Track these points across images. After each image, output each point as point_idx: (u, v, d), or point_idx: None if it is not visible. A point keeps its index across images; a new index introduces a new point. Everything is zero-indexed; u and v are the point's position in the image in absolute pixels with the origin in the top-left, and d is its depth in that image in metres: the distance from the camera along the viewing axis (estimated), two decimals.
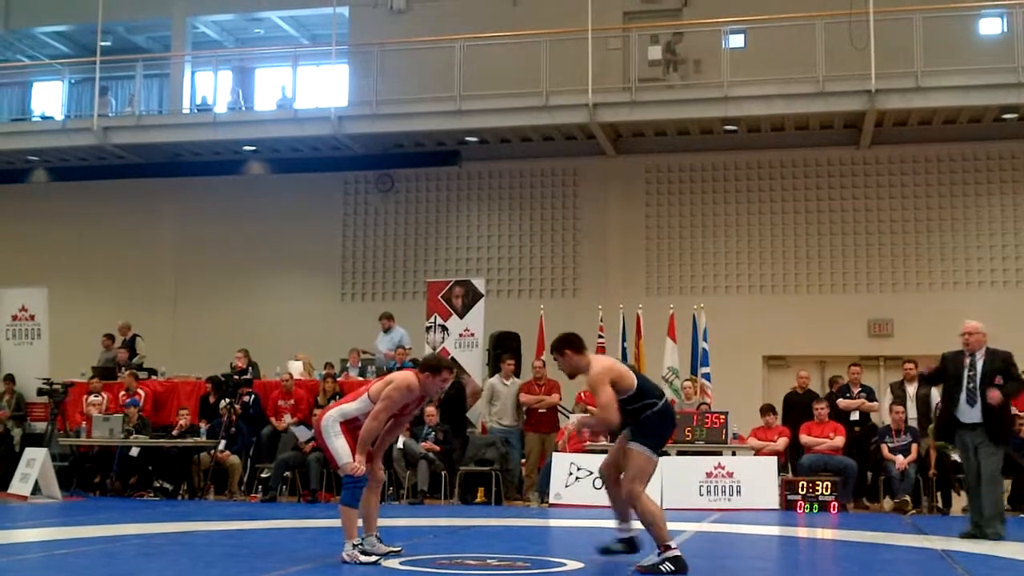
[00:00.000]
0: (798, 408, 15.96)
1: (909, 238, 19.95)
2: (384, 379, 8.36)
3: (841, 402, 15.68)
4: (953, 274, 19.75)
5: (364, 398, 8.17)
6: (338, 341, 18.70)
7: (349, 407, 8.18)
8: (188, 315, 22.34)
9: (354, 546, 7.94)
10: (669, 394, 16.71)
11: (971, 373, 10.57)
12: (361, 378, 17.14)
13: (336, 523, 8.30)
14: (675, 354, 17.22)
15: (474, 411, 16.72)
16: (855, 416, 15.57)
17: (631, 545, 8.26)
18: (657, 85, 19.81)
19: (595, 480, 14.06)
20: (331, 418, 8.13)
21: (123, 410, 16.52)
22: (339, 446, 8.06)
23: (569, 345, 8.05)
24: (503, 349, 17.20)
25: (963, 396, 10.61)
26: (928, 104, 18.80)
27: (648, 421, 7.90)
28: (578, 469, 14.47)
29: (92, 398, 16.69)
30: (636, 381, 7.94)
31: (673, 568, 7.50)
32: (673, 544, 7.63)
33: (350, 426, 8.11)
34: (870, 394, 15.93)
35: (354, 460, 7.96)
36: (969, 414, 10.60)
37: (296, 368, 17.61)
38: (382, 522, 8.63)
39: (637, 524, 8.10)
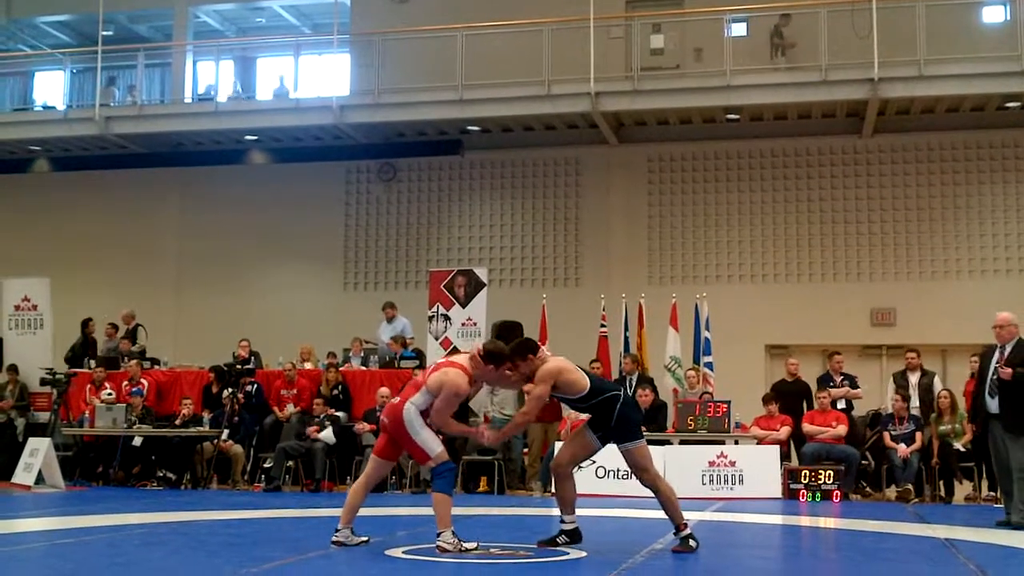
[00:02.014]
0: (787, 397, 15.95)
1: (912, 227, 19.93)
2: (439, 370, 8.20)
3: (830, 391, 15.60)
4: (956, 263, 19.72)
5: (424, 391, 8.08)
6: (341, 330, 18.70)
7: (418, 399, 8.08)
8: (191, 305, 22.35)
9: (453, 533, 7.88)
10: (671, 383, 16.84)
11: (997, 365, 10.59)
12: (364, 367, 17.19)
13: (340, 512, 8.30)
14: (677, 343, 17.22)
15: (476, 401, 16.71)
16: (841, 405, 15.54)
17: (574, 536, 8.40)
18: (659, 74, 19.76)
19: (598, 469, 14.09)
20: (412, 411, 8.03)
21: (127, 399, 16.54)
22: (427, 437, 8.06)
23: (518, 354, 8.18)
24: (505, 339, 17.14)
25: (987, 387, 10.67)
26: (931, 93, 18.75)
27: (623, 415, 8.19)
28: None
29: (104, 395, 16.67)
30: (589, 382, 8.17)
31: (696, 543, 8.13)
32: (687, 522, 8.22)
33: (425, 419, 8.09)
34: (852, 382, 15.88)
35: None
36: (992, 404, 10.65)
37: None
38: (385, 511, 8.65)
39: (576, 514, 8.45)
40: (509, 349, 8.21)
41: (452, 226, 21.81)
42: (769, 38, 19.50)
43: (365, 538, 8.37)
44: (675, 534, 8.22)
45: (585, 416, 8.49)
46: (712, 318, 17.29)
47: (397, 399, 8.29)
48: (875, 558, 8.48)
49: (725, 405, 15.36)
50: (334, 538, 8.26)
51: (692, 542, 8.11)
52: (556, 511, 8.62)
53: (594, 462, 13.86)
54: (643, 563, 7.71)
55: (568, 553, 8.09)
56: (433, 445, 8.05)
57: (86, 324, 18.91)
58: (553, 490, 8.76)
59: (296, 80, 22.15)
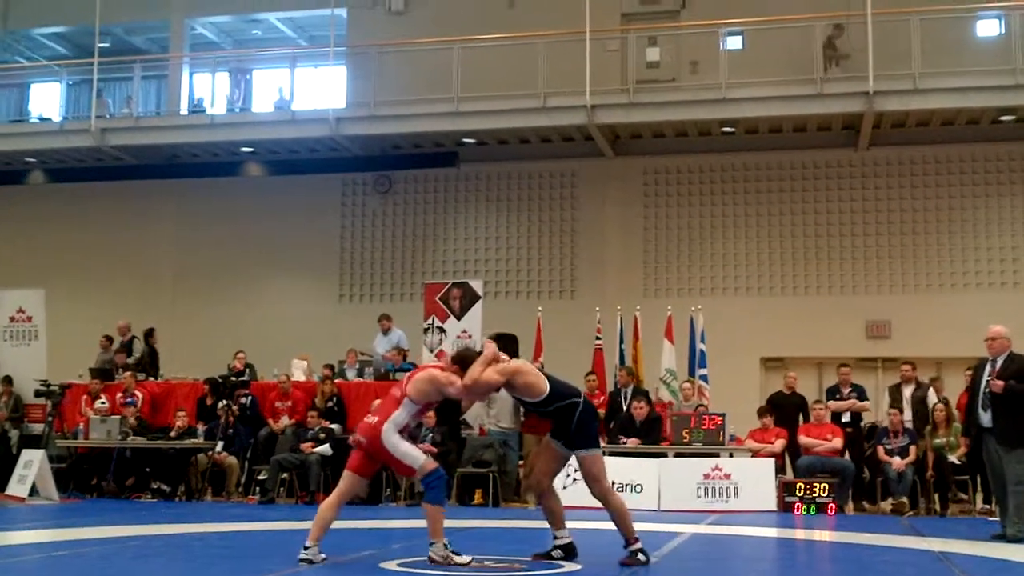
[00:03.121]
0: (783, 409, 15.95)
1: (907, 240, 19.96)
2: (414, 378, 8.25)
3: (832, 404, 15.63)
4: (951, 276, 19.75)
5: (407, 402, 8.06)
6: (336, 342, 18.70)
7: (398, 416, 8.03)
8: (186, 317, 22.31)
9: (445, 546, 7.86)
10: (666, 396, 16.81)
11: (989, 378, 10.60)
12: (360, 379, 17.18)
13: (335, 524, 8.29)
14: (673, 356, 17.21)
15: (471, 413, 16.70)
16: (846, 417, 15.54)
17: (568, 551, 8.39)
18: (655, 87, 19.80)
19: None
20: (388, 431, 7.98)
21: (121, 411, 16.51)
22: (407, 450, 8.01)
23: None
24: (500, 351, 17.14)
25: (979, 400, 10.67)
26: (926, 106, 18.81)
27: (581, 423, 8.20)
28: (575, 471, 14.40)
29: (98, 404, 16.61)
30: (548, 386, 8.18)
31: (645, 557, 8.09)
32: (637, 536, 8.20)
33: (403, 434, 8.06)
34: (861, 394, 15.87)
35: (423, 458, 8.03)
36: (984, 418, 10.65)
37: (300, 367, 17.59)
38: (380, 524, 8.62)
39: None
40: (474, 354, 8.26)
41: (448, 238, 21.82)
42: (822, 49, 19.43)
43: (324, 557, 8.11)
44: (625, 547, 8.18)
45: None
46: (707, 331, 17.29)
47: (375, 419, 8.13)
48: (870, 571, 8.48)
49: (720, 418, 15.35)
50: (301, 555, 7.98)
51: (641, 556, 8.09)
52: (548, 525, 8.61)
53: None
54: (643, 573, 7.69)
55: (563, 566, 8.08)
56: (416, 456, 8.01)
57: (150, 334, 18.74)
58: (548, 505, 8.75)
59: (292, 92, 22.16)
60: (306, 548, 8.01)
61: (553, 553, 8.37)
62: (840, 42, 19.37)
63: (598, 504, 8.31)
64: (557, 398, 8.16)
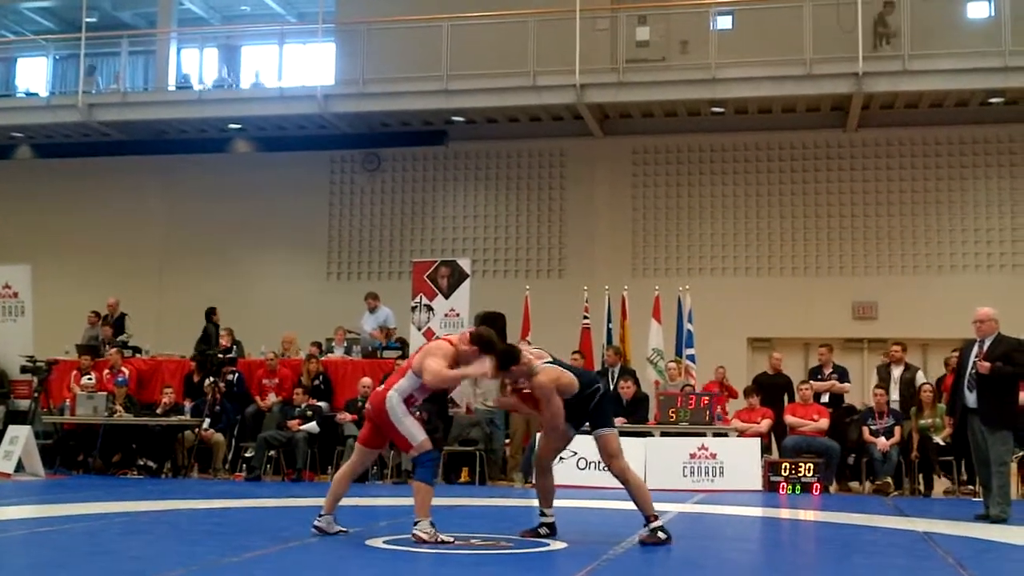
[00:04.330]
0: (769, 389, 16.00)
1: (894, 221, 20.00)
2: (421, 350, 8.26)
3: (813, 384, 15.65)
4: (938, 257, 19.81)
5: (410, 375, 8.07)
6: (324, 320, 18.70)
7: (403, 385, 8.06)
8: (173, 293, 22.28)
9: (431, 523, 7.88)
10: (654, 375, 16.85)
11: (976, 359, 10.65)
12: (347, 356, 17.18)
13: (322, 502, 8.31)
14: (660, 335, 17.25)
15: (459, 392, 16.71)
16: (825, 398, 15.57)
17: (552, 529, 8.47)
18: (645, 66, 19.77)
19: (579, 461, 14.11)
20: (395, 398, 8.01)
21: (109, 388, 16.49)
22: (409, 425, 8.03)
23: (513, 362, 8.13)
24: (488, 330, 17.13)
25: (965, 382, 10.73)
26: (915, 88, 18.81)
27: (601, 406, 8.31)
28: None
29: (84, 380, 16.56)
30: (578, 382, 8.22)
31: (665, 535, 8.08)
32: (657, 514, 8.19)
33: (411, 406, 8.10)
34: (842, 375, 15.89)
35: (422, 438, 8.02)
36: (970, 399, 10.71)
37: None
38: (366, 501, 8.65)
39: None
40: (497, 360, 8.10)
41: (436, 216, 21.80)
42: (872, 27, 19.33)
43: (344, 529, 8.37)
44: (645, 525, 8.20)
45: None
46: (695, 311, 17.33)
47: (382, 387, 8.26)
48: (854, 550, 8.52)
49: (706, 398, 15.40)
50: (315, 523, 8.28)
51: (661, 534, 8.08)
52: (536, 502, 8.64)
53: (575, 453, 13.93)
54: (624, 554, 7.73)
55: (549, 544, 8.11)
56: (416, 433, 8.02)
57: (212, 312, 18.49)
58: (533, 482, 8.76)
59: (280, 68, 22.07)
60: (320, 516, 8.28)
61: (540, 530, 8.42)
62: (891, 19, 19.24)
63: (581, 483, 8.33)
64: (583, 388, 8.23)
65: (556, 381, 8.13)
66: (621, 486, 8.35)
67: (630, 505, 8.40)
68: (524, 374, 8.17)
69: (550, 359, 8.35)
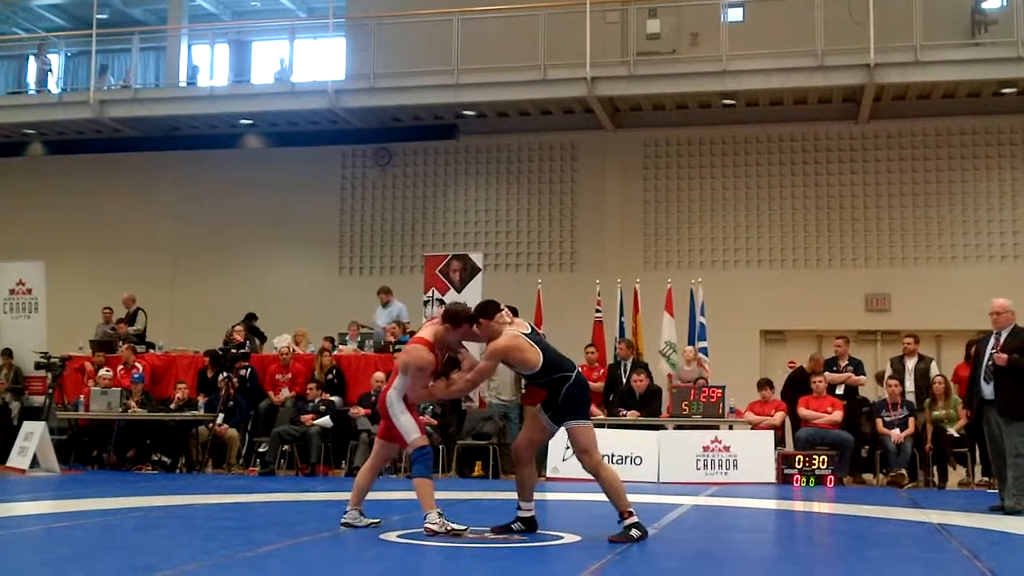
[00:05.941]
0: (791, 384, 15.99)
1: (907, 212, 19.93)
2: (404, 350, 8.47)
3: (828, 375, 15.62)
4: (951, 248, 19.74)
5: (400, 375, 8.26)
6: (337, 315, 18.72)
7: (399, 384, 8.23)
8: (186, 289, 22.34)
9: (439, 514, 7.97)
10: (666, 368, 16.82)
11: (992, 351, 10.63)
12: (360, 351, 17.21)
13: (335, 496, 8.33)
14: (672, 328, 17.20)
15: None
16: (840, 390, 15.53)
17: (529, 524, 8.33)
18: (655, 59, 19.72)
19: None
20: (394, 396, 8.18)
21: (121, 383, 16.53)
22: (405, 422, 8.16)
23: (483, 313, 8.10)
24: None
25: (982, 373, 10.72)
26: (927, 78, 18.73)
27: (570, 396, 8.06)
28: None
29: (102, 372, 16.60)
30: (542, 358, 8.00)
31: (639, 533, 7.86)
32: (632, 510, 7.97)
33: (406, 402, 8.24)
34: (858, 367, 15.84)
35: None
36: (987, 390, 10.69)
37: (283, 340, 17.47)
38: (380, 495, 8.66)
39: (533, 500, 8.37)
40: (480, 308, 8.15)
41: (447, 211, 21.80)
42: (970, 14, 19.20)
43: (376, 520, 8.49)
44: (619, 522, 7.99)
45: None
46: (707, 303, 17.28)
47: (386, 384, 8.45)
48: (868, 542, 8.50)
49: (720, 390, 15.38)
50: (343, 520, 8.39)
51: (635, 531, 7.87)
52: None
53: None
54: (637, 547, 7.72)
55: (562, 537, 8.11)
56: (410, 430, 8.16)
57: (252, 318, 18.59)
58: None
59: (291, 64, 22.08)
60: (346, 512, 8.43)
61: (514, 526, 8.29)
62: (986, 4, 19.09)
63: (590, 476, 8.24)
64: (550, 371, 8.04)
65: (509, 348, 7.98)
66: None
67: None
68: (472, 335, 8.12)
69: (528, 330, 8.19)
